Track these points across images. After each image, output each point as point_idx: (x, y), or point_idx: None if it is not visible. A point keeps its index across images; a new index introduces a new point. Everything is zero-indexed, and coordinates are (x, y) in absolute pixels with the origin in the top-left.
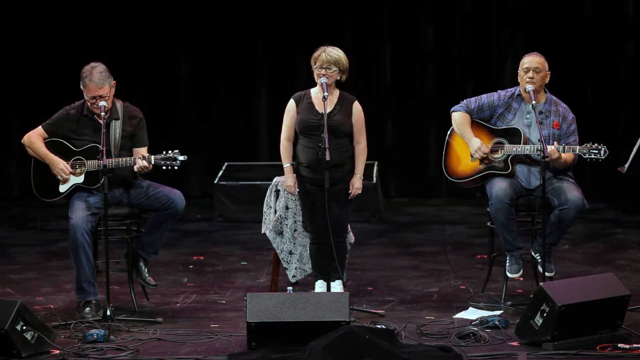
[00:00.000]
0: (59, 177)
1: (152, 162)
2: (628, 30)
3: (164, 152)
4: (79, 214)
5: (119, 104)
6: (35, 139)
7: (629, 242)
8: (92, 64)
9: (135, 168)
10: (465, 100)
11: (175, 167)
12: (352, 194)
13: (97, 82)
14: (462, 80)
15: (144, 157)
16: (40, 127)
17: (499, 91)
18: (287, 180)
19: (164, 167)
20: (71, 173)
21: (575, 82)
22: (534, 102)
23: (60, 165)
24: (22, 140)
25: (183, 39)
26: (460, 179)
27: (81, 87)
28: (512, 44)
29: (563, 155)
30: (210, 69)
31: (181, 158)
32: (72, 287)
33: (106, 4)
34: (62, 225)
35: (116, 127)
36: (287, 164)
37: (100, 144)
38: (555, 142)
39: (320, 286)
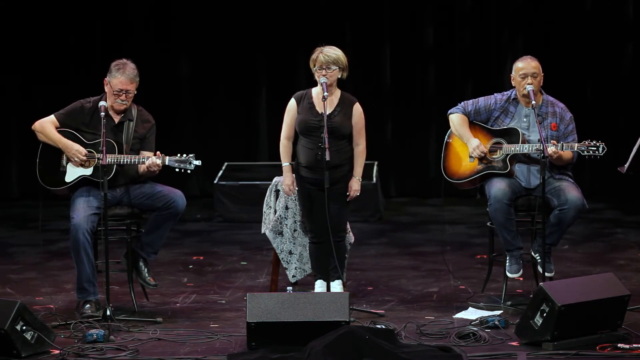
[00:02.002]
0: (75, 158)
1: (167, 163)
2: (628, 30)
3: (179, 155)
4: (81, 213)
5: (134, 107)
6: (47, 124)
7: (629, 242)
8: (124, 60)
9: (147, 164)
10: (462, 103)
11: (189, 171)
12: (350, 196)
13: (129, 76)
14: (462, 81)
15: (158, 156)
16: (52, 115)
17: (496, 94)
18: (285, 180)
19: (177, 170)
20: (85, 159)
21: (575, 82)
22: (533, 102)
23: (75, 147)
24: (33, 126)
25: (183, 39)
26: (459, 179)
27: (107, 79)
28: (512, 44)
29: (561, 152)
30: (210, 69)
31: (196, 162)
32: (72, 287)
33: (106, 3)
34: (62, 225)
35: (130, 127)
36: (285, 163)
37: (112, 140)
38: (553, 141)
39: (319, 286)
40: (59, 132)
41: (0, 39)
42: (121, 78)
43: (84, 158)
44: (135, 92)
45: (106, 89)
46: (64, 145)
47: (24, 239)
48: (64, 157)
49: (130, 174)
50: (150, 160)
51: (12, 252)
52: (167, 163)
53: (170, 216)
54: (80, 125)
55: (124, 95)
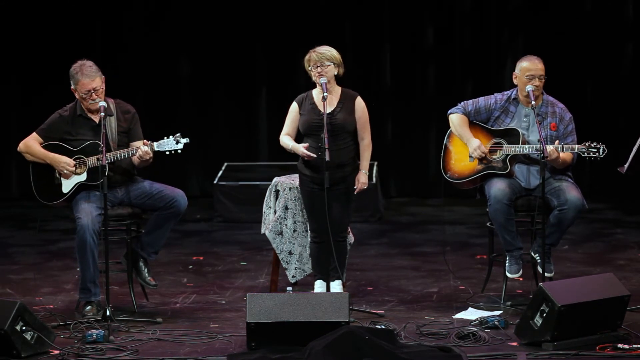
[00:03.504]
0: (64, 171)
1: (156, 149)
2: (628, 30)
3: (165, 137)
4: (87, 214)
5: (110, 101)
6: (31, 143)
7: (629, 242)
8: (79, 62)
9: (138, 155)
10: (462, 103)
11: (179, 151)
12: (358, 188)
13: (89, 75)
14: (462, 81)
15: (145, 144)
16: (34, 133)
17: (496, 94)
18: (298, 150)
19: (167, 153)
20: (74, 169)
21: (575, 82)
22: (533, 102)
23: (62, 159)
24: (18, 148)
25: (183, 39)
26: (459, 179)
27: (72, 86)
28: (512, 44)
29: (562, 154)
30: (210, 69)
31: (184, 141)
32: (72, 287)
33: (106, 4)
34: (62, 225)
35: (112, 122)
36: (290, 145)
37: (97, 141)
38: (556, 142)
39: (319, 286)
40: (45, 146)
41: (0, 40)
42: (83, 80)
43: (73, 169)
44: (103, 87)
45: (76, 95)
46: (51, 160)
47: (24, 239)
48: (57, 170)
49: (124, 169)
50: (140, 150)
51: (12, 252)
52: (156, 148)
53: (171, 216)
54: (63, 134)
55: (93, 94)
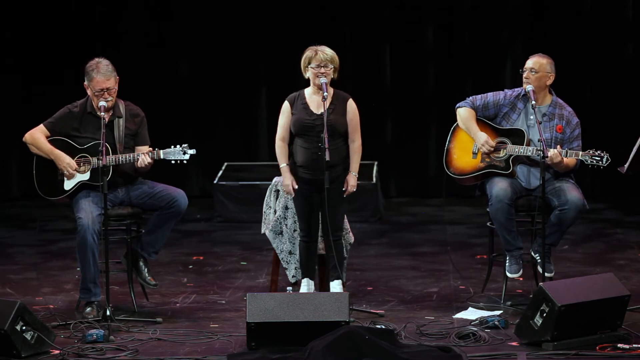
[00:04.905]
0: (65, 172)
1: (162, 157)
2: (628, 30)
3: (172, 146)
4: (88, 214)
5: (120, 103)
6: (38, 135)
7: (629, 242)
8: (97, 59)
9: (138, 163)
10: (471, 97)
11: (185, 162)
12: (347, 191)
13: (105, 73)
14: (462, 80)
15: (152, 152)
16: (41, 125)
17: (506, 90)
18: (284, 180)
19: (173, 162)
20: (75, 173)
21: (575, 82)
22: (533, 102)
23: (66, 159)
24: (24, 138)
25: (183, 39)
26: (461, 175)
27: (85, 82)
28: (511, 44)
29: (565, 159)
30: (210, 69)
31: (191, 152)
32: (72, 287)
33: (106, 3)
34: (62, 226)
35: (120, 124)
36: (283, 164)
37: (106, 142)
38: (558, 146)
39: (305, 284)
40: (51, 140)
41: (1, 39)
42: (98, 77)
43: (74, 172)
44: (117, 88)
45: (88, 92)
46: (55, 157)
47: (24, 239)
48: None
49: (126, 170)
50: (141, 160)
51: (12, 252)
52: (162, 157)
53: (172, 215)
54: (71, 130)
55: (106, 93)
